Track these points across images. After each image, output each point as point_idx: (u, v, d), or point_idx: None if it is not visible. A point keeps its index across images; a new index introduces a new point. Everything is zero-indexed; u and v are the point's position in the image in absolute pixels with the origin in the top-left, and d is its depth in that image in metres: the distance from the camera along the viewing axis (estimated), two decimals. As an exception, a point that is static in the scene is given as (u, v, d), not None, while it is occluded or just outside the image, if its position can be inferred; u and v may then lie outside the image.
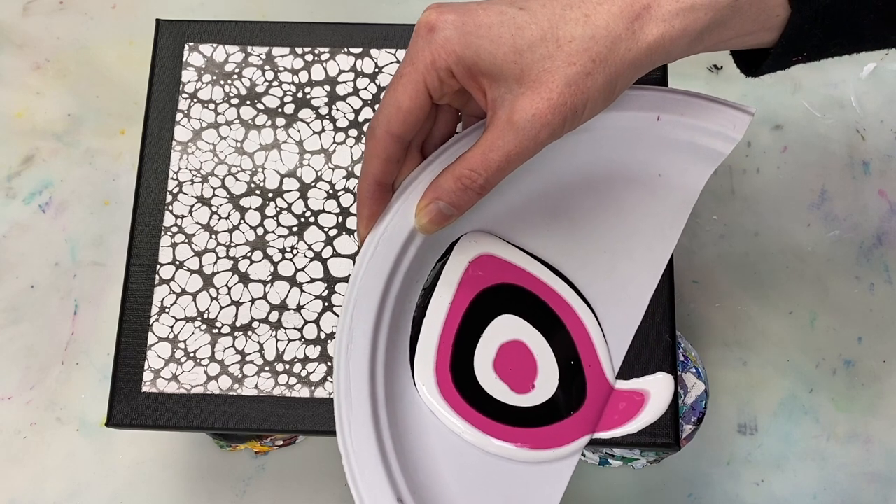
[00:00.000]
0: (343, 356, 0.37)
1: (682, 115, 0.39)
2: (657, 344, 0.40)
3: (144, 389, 0.41)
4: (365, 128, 0.44)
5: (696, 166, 0.40)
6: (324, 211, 0.43)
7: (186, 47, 0.46)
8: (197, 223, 0.43)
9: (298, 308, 0.42)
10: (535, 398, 0.39)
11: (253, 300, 0.42)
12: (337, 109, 0.45)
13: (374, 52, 0.46)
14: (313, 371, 0.41)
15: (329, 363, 0.41)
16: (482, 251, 0.40)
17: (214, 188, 0.44)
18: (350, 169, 0.44)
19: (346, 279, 0.42)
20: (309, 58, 0.45)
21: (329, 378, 0.41)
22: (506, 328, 0.40)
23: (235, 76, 0.45)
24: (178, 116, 0.45)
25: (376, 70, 0.45)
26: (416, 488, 0.37)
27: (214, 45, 0.46)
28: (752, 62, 0.37)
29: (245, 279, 0.42)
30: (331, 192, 0.44)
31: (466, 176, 0.35)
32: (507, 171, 0.34)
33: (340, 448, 0.37)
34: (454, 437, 0.39)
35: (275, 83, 0.45)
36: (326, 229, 0.43)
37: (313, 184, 0.44)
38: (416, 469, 0.38)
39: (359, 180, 0.37)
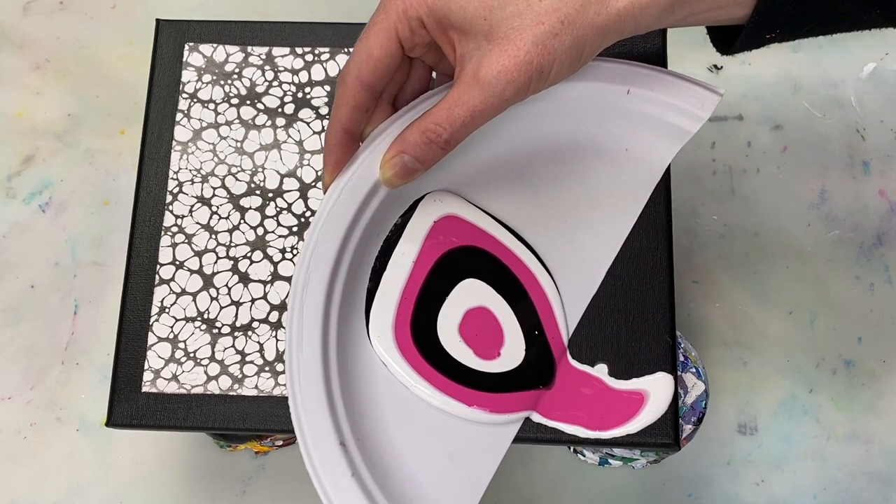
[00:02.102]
0: (298, 299, 0.37)
1: (652, 91, 0.39)
2: (657, 344, 0.40)
3: (144, 389, 0.41)
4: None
5: (662, 143, 0.40)
6: (324, 211, 0.43)
7: (186, 47, 0.46)
8: (197, 223, 0.43)
9: (298, 308, 0.42)
10: (501, 365, 0.39)
11: (253, 300, 0.42)
12: (337, 109, 0.45)
13: (374, 52, 0.45)
14: (313, 371, 0.41)
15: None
16: (447, 211, 0.40)
17: (214, 188, 0.44)
18: (350, 169, 0.44)
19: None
20: (309, 58, 0.45)
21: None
22: (471, 293, 0.40)
23: (235, 76, 0.45)
24: (178, 116, 0.45)
25: (376, 70, 0.45)
26: (361, 435, 0.38)
27: (214, 45, 0.46)
28: (728, 39, 0.37)
29: (245, 279, 0.42)
30: (331, 192, 0.44)
31: (431, 130, 0.34)
32: (472, 128, 0.34)
33: (288, 390, 0.37)
34: (403, 390, 0.39)
35: (275, 83, 0.45)
36: (326, 229, 0.43)
37: (313, 184, 0.44)
38: (362, 417, 0.38)
39: (327, 128, 0.37)
